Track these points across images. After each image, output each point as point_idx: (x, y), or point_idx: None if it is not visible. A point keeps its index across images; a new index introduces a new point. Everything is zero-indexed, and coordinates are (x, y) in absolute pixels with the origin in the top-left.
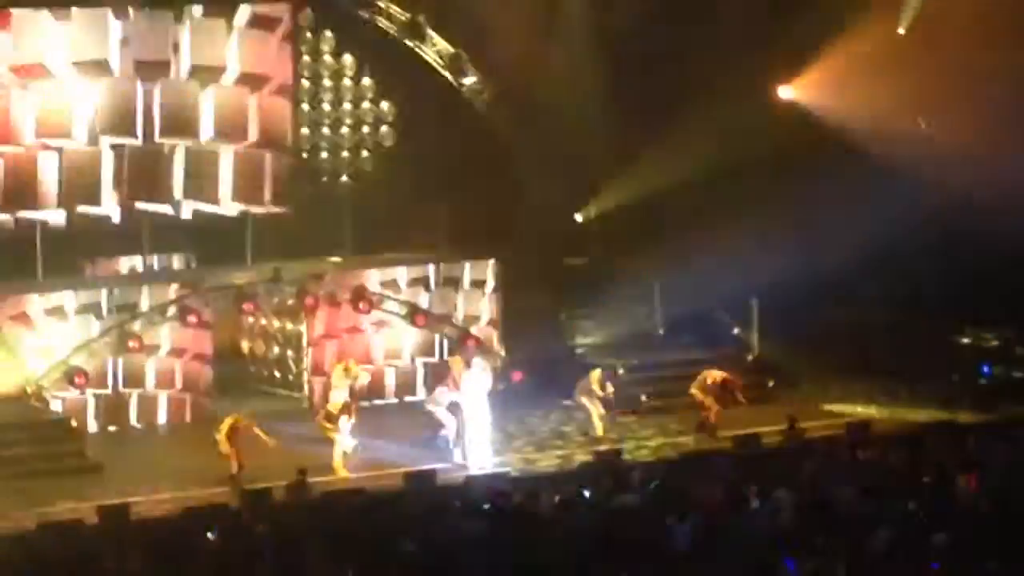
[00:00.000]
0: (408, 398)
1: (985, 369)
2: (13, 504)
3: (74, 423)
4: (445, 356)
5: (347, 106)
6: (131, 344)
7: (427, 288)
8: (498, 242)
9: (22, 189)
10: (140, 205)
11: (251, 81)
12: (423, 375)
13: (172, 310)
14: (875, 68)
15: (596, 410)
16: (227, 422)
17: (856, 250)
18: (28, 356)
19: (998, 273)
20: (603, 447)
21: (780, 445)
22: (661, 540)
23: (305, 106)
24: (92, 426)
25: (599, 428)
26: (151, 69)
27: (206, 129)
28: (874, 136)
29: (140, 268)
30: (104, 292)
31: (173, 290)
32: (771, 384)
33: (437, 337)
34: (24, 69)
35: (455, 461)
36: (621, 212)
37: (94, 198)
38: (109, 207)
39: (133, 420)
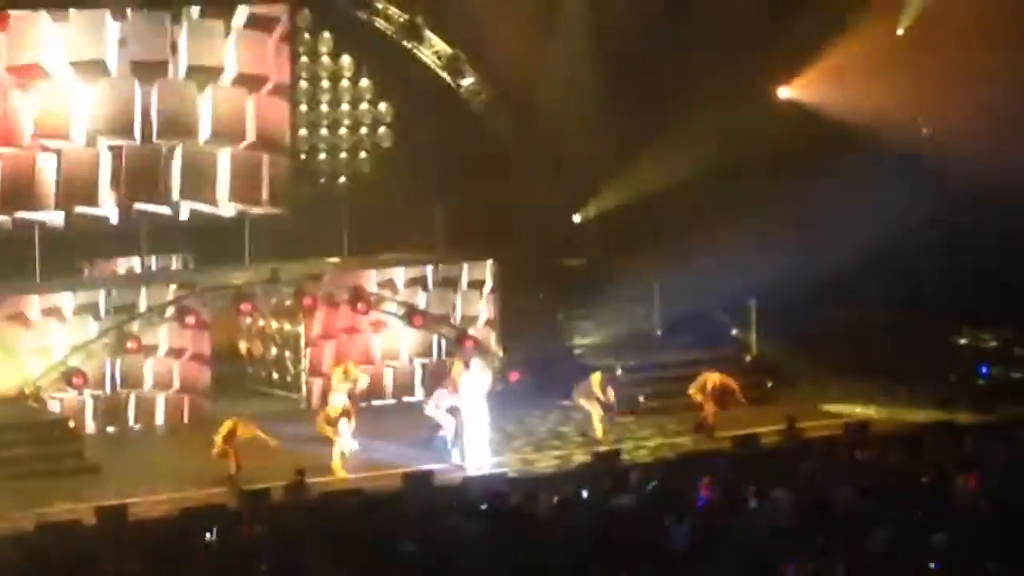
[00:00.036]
0: (406, 398)
1: (983, 370)
2: (11, 505)
3: (72, 424)
4: (443, 357)
5: (345, 107)
6: (129, 345)
7: (425, 289)
8: (496, 242)
9: (20, 190)
10: (138, 206)
11: (249, 82)
12: (421, 375)
13: (170, 311)
14: (875, 68)
15: (596, 412)
16: (226, 426)
17: (855, 251)
18: (26, 357)
19: (996, 274)
20: (601, 448)
21: (779, 445)
22: (659, 541)
23: (303, 107)
24: (90, 427)
25: (599, 430)
26: (149, 70)
27: (204, 130)
28: (874, 136)
29: (138, 269)
30: (102, 293)
31: (171, 291)
32: (770, 384)
33: (435, 338)
34: (22, 70)
35: (453, 462)
36: (619, 212)
37: (92, 199)
38: (107, 208)
39: (131, 421)
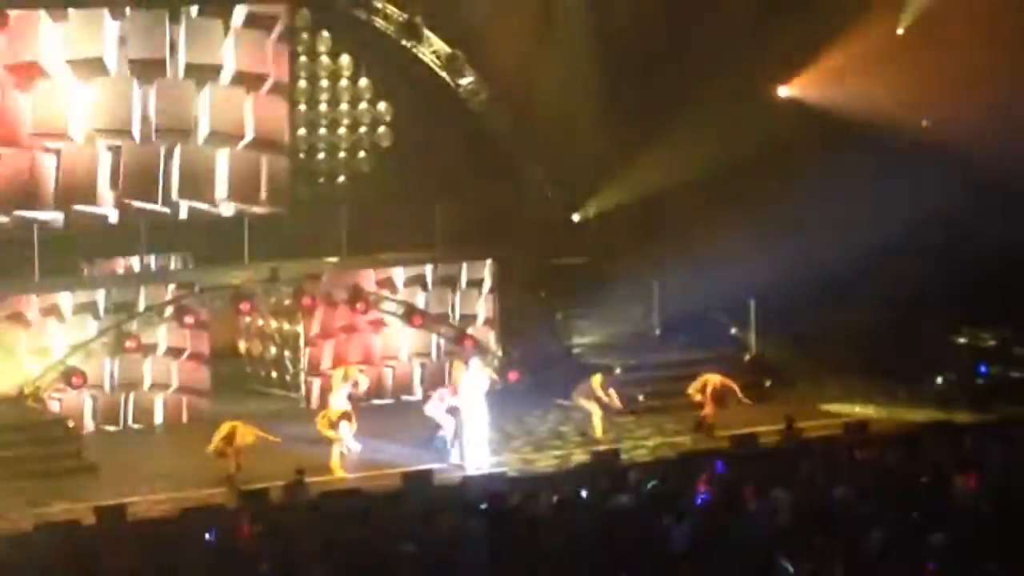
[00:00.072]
0: (405, 397)
1: (982, 369)
2: (10, 505)
3: (71, 423)
4: (443, 357)
5: (344, 106)
6: (128, 344)
7: (424, 288)
8: (495, 242)
9: (19, 189)
10: (137, 205)
11: (247, 81)
12: (420, 375)
13: (169, 310)
14: (874, 67)
15: (596, 412)
16: (225, 428)
17: (854, 250)
18: (25, 357)
19: (995, 273)
20: (601, 447)
21: (778, 445)
22: (659, 540)
23: (302, 106)
24: (89, 426)
25: (599, 429)
26: (147, 68)
27: (202, 129)
28: (873, 136)
29: (137, 268)
30: (101, 292)
31: (170, 290)
32: (768, 384)
33: (434, 337)
34: (21, 68)
35: (452, 461)
36: (618, 212)
37: (91, 198)
38: (106, 207)
39: (130, 420)
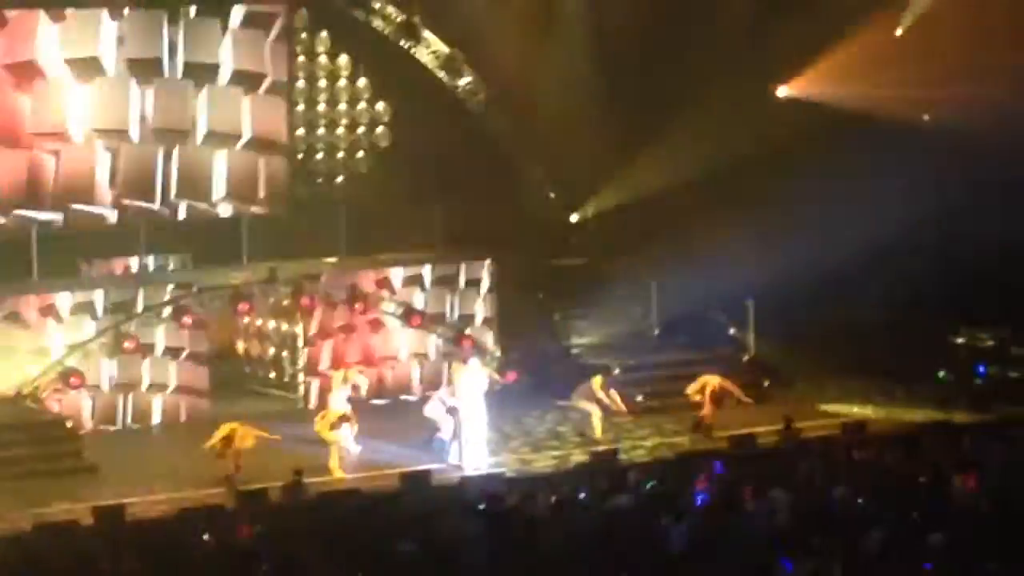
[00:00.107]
0: (404, 397)
1: (981, 369)
2: (9, 505)
3: (70, 424)
4: (442, 358)
5: (342, 106)
6: (126, 345)
7: (422, 288)
8: (493, 242)
9: (17, 188)
10: (135, 205)
11: (245, 81)
12: (418, 375)
13: (167, 310)
14: (874, 67)
15: (596, 413)
16: (224, 429)
17: (852, 250)
18: (24, 357)
19: (994, 273)
20: (599, 448)
21: (776, 445)
22: (657, 540)
23: (300, 106)
24: (88, 427)
25: (598, 430)
26: (145, 68)
27: (200, 129)
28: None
29: (135, 268)
30: (100, 292)
31: (168, 290)
32: (767, 384)
33: (432, 337)
34: (19, 68)
35: (451, 462)
36: (616, 212)
37: (89, 198)
38: (104, 207)
39: (128, 421)
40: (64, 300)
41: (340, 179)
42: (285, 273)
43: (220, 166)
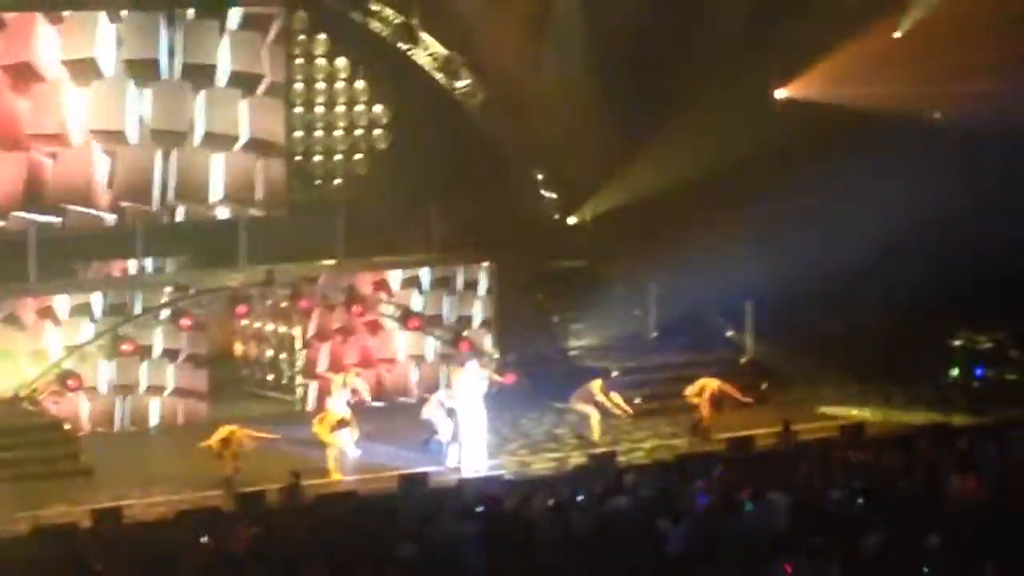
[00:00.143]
0: (401, 399)
1: (979, 372)
2: (6, 507)
3: (67, 426)
4: (440, 360)
5: (340, 108)
6: (124, 347)
7: (420, 290)
8: (492, 244)
9: (14, 191)
10: (133, 207)
11: (243, 83)
12: (416, 378)
13: (165, 313)
14: (874, 68)
15: (594, 415)
16: (222, 431)
17: (850, 253)
18: (21, 359)
19: (991, 276)
20: (597, 450)
21: (774, 447)
22: (655, 543)
23: (298, 108)
24: (85, 429)
25: (596, 432)
26: (143, 70)
27: (198, 131)
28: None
29: (133, 271)
30: (97, 295)
31: (166, 293)
32: (765, 387)
33: (430, 339)
34: (16, 70)
35: (449, 464)
36: (615, 214)
37: (87, 200)
38: (102, 210)
39: (126, 423)
40: (62, 302)
41: (338, 181)
42: (283, 275)
43: (218, 168)
